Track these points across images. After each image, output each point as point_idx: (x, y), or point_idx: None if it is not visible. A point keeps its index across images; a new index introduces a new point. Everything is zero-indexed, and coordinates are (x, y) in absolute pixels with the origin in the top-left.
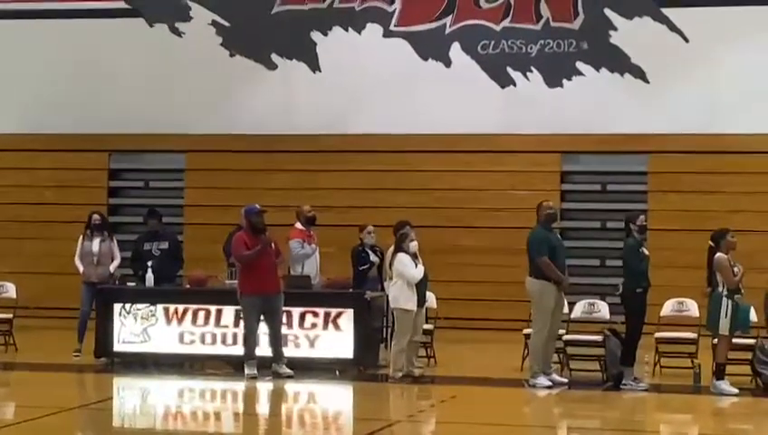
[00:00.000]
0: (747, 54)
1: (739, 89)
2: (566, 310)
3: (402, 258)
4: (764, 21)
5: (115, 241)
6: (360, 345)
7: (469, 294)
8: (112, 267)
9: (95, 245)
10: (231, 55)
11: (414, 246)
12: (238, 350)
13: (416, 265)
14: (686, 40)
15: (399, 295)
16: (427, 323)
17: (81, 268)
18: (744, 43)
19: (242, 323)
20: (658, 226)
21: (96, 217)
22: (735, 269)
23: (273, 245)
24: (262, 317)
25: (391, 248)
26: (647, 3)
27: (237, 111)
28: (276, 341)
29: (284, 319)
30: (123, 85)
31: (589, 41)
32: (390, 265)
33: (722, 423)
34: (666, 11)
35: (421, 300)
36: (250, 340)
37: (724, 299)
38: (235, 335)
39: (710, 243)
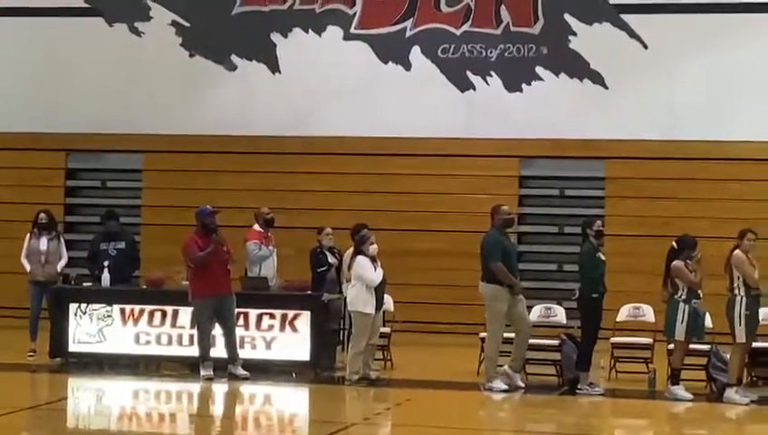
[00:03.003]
0: (705, 62)
1: (696, 96)
2: None
3: (361, 261)
4: (722, 29)
5: (63, 240)
6: (317, 347)
7: (426, 298)
8: (59, 266)
9: (43, 243)
10: (191, 56)
11: (373, 249)
12: (194, 351)
13: (375, 269)
14: (645, 46)
15: (358, 298)
16: (384, 326)
17: (27, 267)
18: (701, 50)
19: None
20: (615, 231)
21: (43, 215)
22: (694, 274)
23: (225, 246)
24: (215, 319)
25: (350, 251)
26: (606, 9)
27: (196, 111)
28: (231, 342)
29: (241, 320)
30: (81, 84)
31: (548, 46)
32: (349, 267)
33: (677, 428)
34: (625, 17)
35: (379, 303)
36: (204, 341)
37: (682, 304)
38: (191, 336)
39: (673, 244)
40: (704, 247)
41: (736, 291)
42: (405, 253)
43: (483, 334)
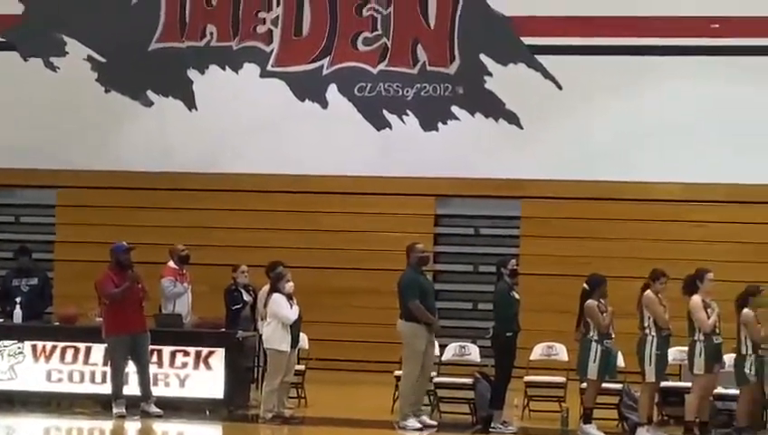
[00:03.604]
0: (619, 103)
1: (611, 136)
2: (437, 352)
3: (277, 299)
4: (635, 70)
5: None
6: (231, 385)
7: (341, 335)
8: None
9: None
10: (106, 91)
11: (289, 286)
12: (107, 388)
13: (291, 306)
14: (560, 87)
15: (273, 336)
16: (298, 363)
17: None
18: (615, 91)
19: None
20: (530, 270)
21: None
22: (605, 315)
23: (140, 283)
24: (129, 356)
25: (265, 288)
26: (521, 50)
27: (111, 147)
28: (145, 380)
29: (155, 358)
30: None
31: (464, 85)
32: (265, 305)
33: None
34: (540, 58)
35: (295, 341)
36: (117, 379)
37: (594, 344)
38: (104, 374)
39: (585, 286)
40: (618, 287)
41: (647, 330)
42: (320, 291)
43: (398, 372)
